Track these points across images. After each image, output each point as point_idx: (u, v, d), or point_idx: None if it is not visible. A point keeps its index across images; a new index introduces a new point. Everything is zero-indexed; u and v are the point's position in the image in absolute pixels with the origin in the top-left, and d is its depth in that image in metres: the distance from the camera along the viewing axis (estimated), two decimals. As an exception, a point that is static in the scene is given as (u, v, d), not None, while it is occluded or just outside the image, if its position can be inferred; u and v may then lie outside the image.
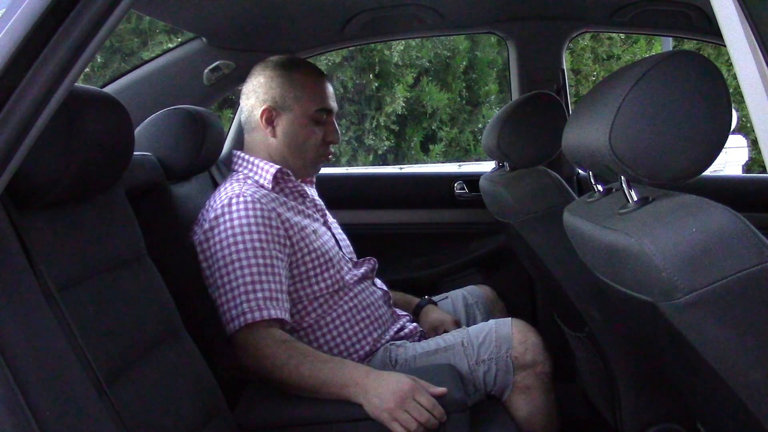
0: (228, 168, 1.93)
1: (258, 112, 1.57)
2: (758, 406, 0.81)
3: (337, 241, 1.63)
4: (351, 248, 1.72)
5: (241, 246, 1.38)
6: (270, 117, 1.57)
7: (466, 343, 1.45)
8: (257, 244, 1.39)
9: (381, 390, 1.25)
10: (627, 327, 1.24)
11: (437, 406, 1.25)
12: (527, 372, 1.43)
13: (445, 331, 1.63)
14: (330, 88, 1.62)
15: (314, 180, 1.73)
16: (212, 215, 1.43)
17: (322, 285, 1.49)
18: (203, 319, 1.36)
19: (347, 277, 1.56)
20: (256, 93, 1.59)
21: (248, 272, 1.37)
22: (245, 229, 1.39)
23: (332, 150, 1.64)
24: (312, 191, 1.71)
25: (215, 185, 1.81)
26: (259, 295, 1.35)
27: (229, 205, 1.42)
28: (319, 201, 1.71)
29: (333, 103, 1.61)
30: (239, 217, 1.40)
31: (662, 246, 0.79)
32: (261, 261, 1.38)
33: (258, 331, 1.34)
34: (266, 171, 1.55)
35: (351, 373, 1.29)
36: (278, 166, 1.54)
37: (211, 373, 1.26)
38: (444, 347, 1.47)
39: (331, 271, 1.51)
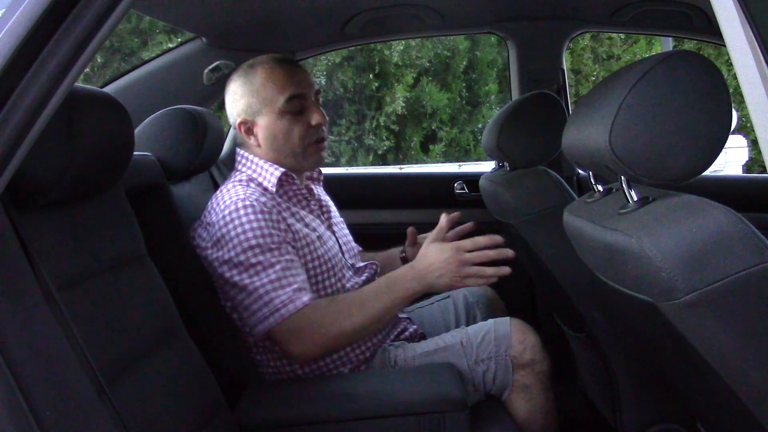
0: (228, 168, 1.94)
1: (236, 127, 1.54)
2: (758, 406, 0.81)
3: (340, 245, 1.60)
4: (355, 250, 1.70)
5: (258, 250, 1.37)
6: (248, 128, 1.53)
7: (465, 343, 1.45)
8: (274, 246, 1.38)
9: (434, 267, 1.36)
10: (627, 327, 1.24)
11: (482, 241, 1.36)
12: (526, 371, 1.43)
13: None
14: (298, 72, 1.53)
15: (321, 178, 1.70)
16: (221, 222, 1.40)
17: (322, 294, 1.48)
18: (203, 319, 1.36)
19: (348, 285, 1.54)
20: (229, 109, 1.55)
21: (272, 271, 1.36)
22: (257, 232, 1.38)
23: (324, 135, 1.54)
24: (318, 189, 1.69)
25: (215, 185, 1.81)
26: (288, 289, 1.36)
27: (237, 210, 1.39)
28: (326, 200, 1.69)
29: (304, 87, 1.51)
30: (249, 221, 1.38)
31: (662, 246, 0.79)
32: (283, 258, 1.38)
33: (297, 318, 1.34)
34: (271, 174, 1.51)
35: (399, 279, 1.39)
36: (283, 170, 1.50)
37: (211, 373, 1.26)
38: (443, 347, 1.46)
39: (333, 280, 1.50)
